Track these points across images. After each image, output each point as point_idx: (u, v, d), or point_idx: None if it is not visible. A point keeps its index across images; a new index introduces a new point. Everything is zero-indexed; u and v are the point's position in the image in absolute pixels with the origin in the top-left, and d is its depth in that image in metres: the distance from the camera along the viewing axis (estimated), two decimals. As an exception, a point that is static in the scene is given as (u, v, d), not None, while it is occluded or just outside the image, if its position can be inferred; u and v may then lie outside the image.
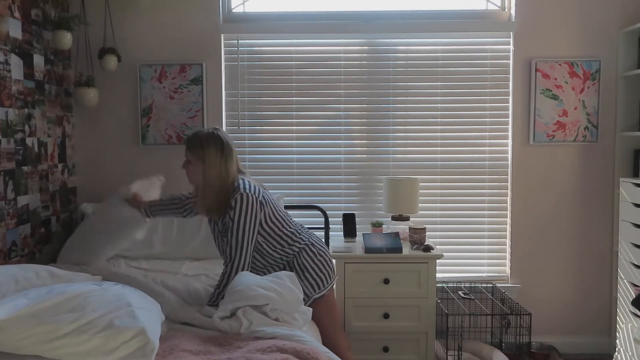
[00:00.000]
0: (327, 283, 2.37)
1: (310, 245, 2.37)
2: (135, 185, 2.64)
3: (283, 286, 2.12)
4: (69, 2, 3.26)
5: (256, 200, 2.20)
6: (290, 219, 2.40)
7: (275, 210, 2.31)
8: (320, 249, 2.39)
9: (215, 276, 2.72)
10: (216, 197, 2.22)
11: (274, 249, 2.32)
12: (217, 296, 2.20)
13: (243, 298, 2.03)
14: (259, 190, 2.26)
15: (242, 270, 2.20)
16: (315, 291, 2.35)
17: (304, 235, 2.39)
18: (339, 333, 2.44)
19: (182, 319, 2.14)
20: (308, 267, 2.34)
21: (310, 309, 2.20)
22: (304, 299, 2.27)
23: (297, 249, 2.35)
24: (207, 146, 2.21)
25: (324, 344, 2.31)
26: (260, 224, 2.25)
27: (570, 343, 3.40)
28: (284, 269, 2.36)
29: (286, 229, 2.33)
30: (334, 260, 2.56)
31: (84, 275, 2.29)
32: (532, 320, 3.03)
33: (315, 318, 2.36)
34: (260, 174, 3.44)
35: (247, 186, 2.21)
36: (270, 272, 2.33)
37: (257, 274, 2.30)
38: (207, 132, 2.25)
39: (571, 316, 3.43)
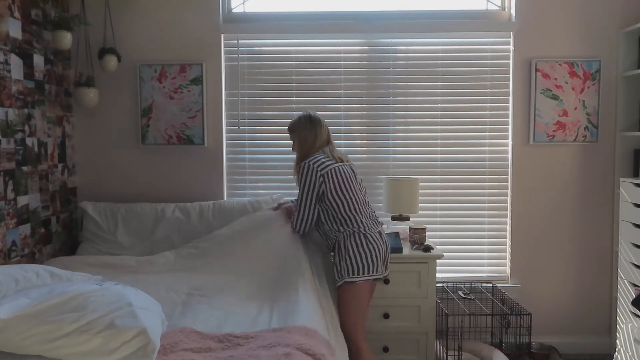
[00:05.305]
0: (363, 273, 2.45)
1: (362, 235, 2.49)
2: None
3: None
4: (69, 2, 3.25)
5: (316, 172, 2.49)
6: (362, 205, 2.55)
7: (344, 189, 2.50)
8: (372, 241, 2.48)
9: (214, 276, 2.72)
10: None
11: (326, 221, 2.56)
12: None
13: None
14: (327, 164, 2.52)
15: (300, 228, 2.61)
16: (348, 275, 2.44)
17: (364, 225, 2.51)
18: (359, 324, 2.49)
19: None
20: (350, 250, 2.47)
21: None
22: (336, 279, 2.50)
23: (348, 232, 2.49)
24: (298, 122, 2.68)
25: (341, 328, 2.39)
26: (324, 195, 2.51)
27: (570, 343, 3.40)
28: (334, 247, 2.57)
29: (346, 211, 2.51)
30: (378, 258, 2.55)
31: (84, 275, 2.30)
32: (532, 320, 3.03)
33: (339, 301, 2.46)
34: (260, 173, 3.44)
35: (314, 158, 2.54)
36: (327, 242, 2.65)
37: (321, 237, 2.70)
38: (297, 117, 2.73)
39: (571, 316, 3.43)
